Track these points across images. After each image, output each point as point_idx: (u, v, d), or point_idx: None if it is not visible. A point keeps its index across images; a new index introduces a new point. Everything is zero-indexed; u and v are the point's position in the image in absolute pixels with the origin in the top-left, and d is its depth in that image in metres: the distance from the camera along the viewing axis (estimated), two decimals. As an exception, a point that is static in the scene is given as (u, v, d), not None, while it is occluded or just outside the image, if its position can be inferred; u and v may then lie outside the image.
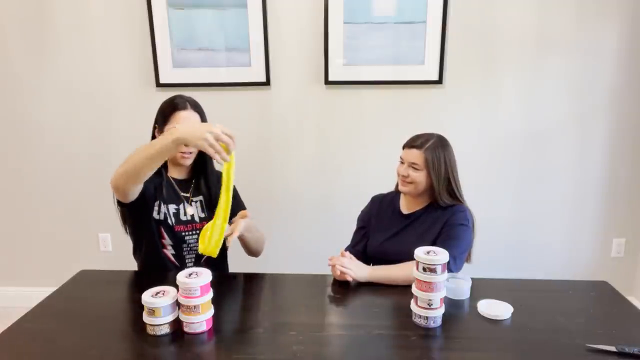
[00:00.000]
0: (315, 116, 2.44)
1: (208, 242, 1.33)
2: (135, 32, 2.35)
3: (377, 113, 2.42)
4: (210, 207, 1.59)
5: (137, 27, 2.35)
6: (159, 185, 1.52)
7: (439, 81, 2.34)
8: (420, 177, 1.52)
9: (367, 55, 2.31)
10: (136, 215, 1.54)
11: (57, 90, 2.45)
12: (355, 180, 2.49)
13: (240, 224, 1.43)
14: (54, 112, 2.48)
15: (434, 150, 1.52)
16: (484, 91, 2.37)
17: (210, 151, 1.20)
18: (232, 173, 1.33)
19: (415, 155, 1.52)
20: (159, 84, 2.39)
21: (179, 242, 1.55)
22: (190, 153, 1.52)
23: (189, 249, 1.58)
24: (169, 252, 1.55)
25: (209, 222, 1.36)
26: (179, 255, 1.56)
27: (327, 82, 2.36)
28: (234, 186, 1.72)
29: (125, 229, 1.60)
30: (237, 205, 1.70)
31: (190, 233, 1.57)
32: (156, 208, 1.52)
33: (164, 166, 1.58)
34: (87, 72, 2.42)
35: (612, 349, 1.05)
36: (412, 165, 1.52)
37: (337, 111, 2.43)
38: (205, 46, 2.34)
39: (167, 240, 1.54)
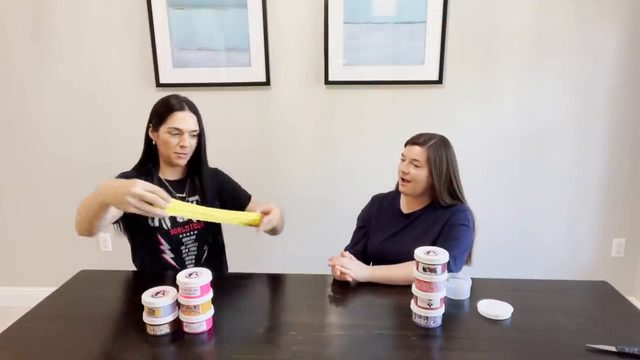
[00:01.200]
0: (315, 116, 2.44)
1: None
2: (135, 32, 2.35)
3: (377, 113, 2.42)
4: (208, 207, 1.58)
5: (137, 27, 2.35)
6: None
7: (439, 81, 2.34)
8: (420, 174, 1.52)
9: (367, 55, 2.31)
10: (130, 227, 1.53)
11: (57, 90, 2.45)
12: (355, 180, 2.49)
13: (273, 217, 1.45)
14: (54, 112, 2.48)
15: (436, 148, 1.52)
16: (484, 91, 2.37)
17: (139, 212, 1.13)
18: (189, 210, 1.31)
19: (418, 152, 1.52)
20: (159, 84, 2.39)
21: (176, 246, 1.54)
22: (185, 154, 1.51)
23: (187, 250, 1.57)
24: (168, 256, 1.55)
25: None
26: (178, 258, 1.56)
27: (327, 82, 2.36)
28: (232, 179, 1.73)
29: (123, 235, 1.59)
30: (242, 197, 1.70)
31: (187, 234, 1.56)
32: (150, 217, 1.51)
33: (157, 168, 1.57)
34: (87, 72, 2.42)
35: (612, 349, 1.05)
36: (414, 162, 1.52)
37: (337, 111, 2.43)
38: (205, 46, 2.34)
39: (164, 246, 1.53)
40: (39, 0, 2.33)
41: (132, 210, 1.12)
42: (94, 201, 1.23)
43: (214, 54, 2.34)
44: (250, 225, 1.44)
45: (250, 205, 1.69)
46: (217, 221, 1.36)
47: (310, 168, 2.50)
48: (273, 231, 1.59)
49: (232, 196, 1.67)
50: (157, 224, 1.51)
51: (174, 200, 1.20)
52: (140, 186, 1.12)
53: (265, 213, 1.44)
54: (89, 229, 1.31)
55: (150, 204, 1.12)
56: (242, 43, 2.33)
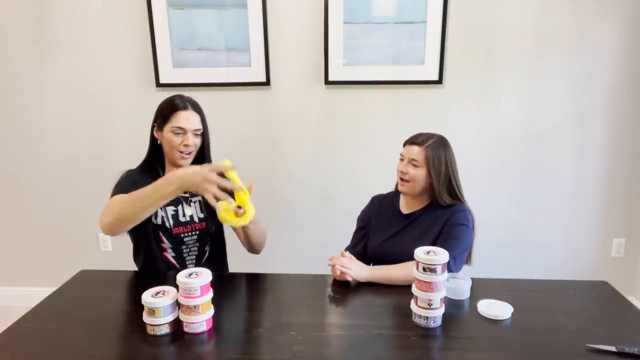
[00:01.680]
0: (315, 116, 2.44)
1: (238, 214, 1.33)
2: (135, 32, 2.35)
3: (377, 113, 2.42)
4: (209, 207, 1.58)
5: (137, 27, 2.35)
6: None
7: (439, 81, 2.34)
8: (419, 174, 1.52)
9: (367, 55, 2.31)
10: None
11: (57, 91, 2.45)
12: (355, 180, 2.49)
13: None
14: (54, 112, 2.48)
15: (435, 148, 1.52)
16: (484, 91, 2.37)
17: (213, 202, 1.21)
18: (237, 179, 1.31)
19: (416, 151, 1.52)
20: (159, 84, 2.39)
21: (177, 245, 1.55)
22: (190, 153, 1.52)
23: (188, 250, 1.57)
24: (169, 255, 1.55)
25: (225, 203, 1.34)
26: (179, 257, 1.56)
27: (327, 82, 2.36)
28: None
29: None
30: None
31: (189, 234, 1.56)
32: (154, 213, 1.51)
33: (162, 167, 1.58)
34: (87, 72, 2.42)
35: (612, 349, 1.05)
36: (412, 162, 1.52)
37: (337, 111, 2.43)
38: (205, 46, 2.34)
39: (166, 244, 1.53)
40: (39, 0, 2.33)
41: (210, 197, 1.19)
42: (161, 192, 1.24)
43: (214, 54, 2.34)
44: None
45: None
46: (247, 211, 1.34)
47: (310, 168, 2.51)
48: (252, 246, 1.59)
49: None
50: (159, 221, 1.51)
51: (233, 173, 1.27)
52: (210, 168, 1.21)
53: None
54: (132, 224, 1.32)
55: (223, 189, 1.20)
56: (242, 43, 2.33)
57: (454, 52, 2.32)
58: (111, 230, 1.33)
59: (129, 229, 1.36)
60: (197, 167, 1.22)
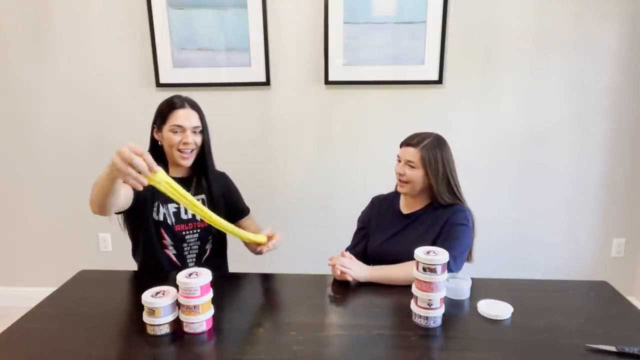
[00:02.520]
0: (315, 116, 2.44)
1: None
2: (135, 32, 2.35)
3: (377, 113, 2.42)
4: (211, 205, 1.59)
5: (137, 27, 2.35)
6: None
7: (439, 81, 2.34)
8: (416, 175, 1.52)
9: (367, 55, 2.31)
10: (134, 218, 1.54)
11: (57, 91, 2.45)
12: (355, 180, 2.49)
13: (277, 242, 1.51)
14: (54, 112, 2.48)
15: (430, 149, 1.52)
16: (484, 91, 2.37)
17: (123, 177, 1.05)
18: (173, 186, 1.16)
19: (412, 153, 1.52)
20: (159, 84, 2.39)
21: (179, 242, 1.55)
22: (191, 152, 1.52)
23: (189, 248, 1.58)
24: (171, 252, 1.55)
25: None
26: (180, 254, 1.57)
27: (327, 82, 2.36)
28: (237, 188, 1.74)
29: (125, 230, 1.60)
30: (241, 209, 1.71)
31: (190, 232, 1.56)
32: (155, 209, 1.52)
33: (165, 166, 1.57)
34: (87, 72, 2.42)
35: (612, 349, 1.04)
36: (408, 163, 1.52)
37: (337, 111, 2.43)
38: (205, 46, 2.34)
39: (167, 241, 1.54)
40: (39, 0, 2.33)
41: (119, 175, 1.04)
42: (104, 173, 1.14)
43: (214, 54, 2.34)
44: (251, 241, 1.48)
45: (247, 220, 1.71)
46: (207, 220, 1.33)
47: (310, 168, 2.50)
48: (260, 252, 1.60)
49: (232, 205, 1.68)
50: (161, 218, 1.52)
51: (163, 172, 1.10)
52: (127, 147, 1.02)
53: (269, 237, 1.51)
54: (100, 205, 1.22)
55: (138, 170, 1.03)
56: (242, 43, 2.33)
57: (454, 52, 2.32)
58: (92, 208, 1.26)
59: (109, 210, 1.26)
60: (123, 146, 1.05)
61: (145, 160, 1.03)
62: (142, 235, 1.54)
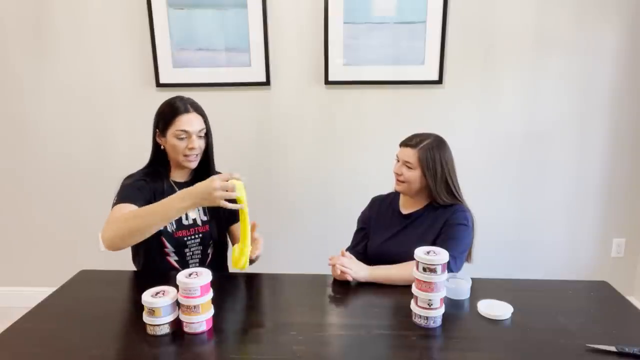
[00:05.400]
0: (315, 116, 2.44)
1: (239, 258, 1.34)
2: (135, 32, 2.35)
3: (377, 113, 2.42)
4: (212, 210, 1.58)
5: (137, 27, 2.35)
6: (159, 193, 1.49)
7: (439, 81, 2.34)
8: (413, 176, 1.52)
9: (367, 55, 2.31)
10: None
11: (57, 91, 2.45)
12: (355, 180, 2.49)
13: (261, 242, 1.47)
14: (54, 112, 2.48)
15: (428, 150, 1.51)
16: (484, 91, 2.37)
17: (230, 206, 1.25)
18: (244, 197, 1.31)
19: (409, 154, 1.52)
20: (159, 84, 2.39)
21: (180, 248, 1.53)
22: (197, 155, 1.51)
23: (191, 253, 1.56)
24: (172, 259, 1.54)
25: (237, 245, 1.37)
26: (182, 260, 1.55)
27: (327, 82, 2.36)
28: None
29: None
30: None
31: (192, 237, 1.54)
32: None
33: (167, 170, 1.56)
34: (87, 73, 2.42)
35: (612, 349, 1.05)
36: (406, 164, 1.52)
37: (337, 111, 2.43)
38: (205, 46, 2.34)
39: (169, 249, 1.52)
40: (39, 0, 2.33)
41: (225, 203, 1.23)
42: (177, 207, 1.25)
43: (214, 54, 2.34)
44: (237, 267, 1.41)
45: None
46: (244, 233, 1.34)
47: (310, 168, 2.50)
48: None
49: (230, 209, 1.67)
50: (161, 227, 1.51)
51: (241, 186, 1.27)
52: (219, 180, 1.22)
53: (253, 240, 1.46)
54: (139, 238, 1.31)
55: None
56: (242, 43, 2.33)
57: (454, 52, 2.32)
58: (116, 244, 1.31)
59: (133, 244, 1.35)
60: (206, 182, 1.24)
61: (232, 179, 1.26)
62: (142, 244, 1.54)
